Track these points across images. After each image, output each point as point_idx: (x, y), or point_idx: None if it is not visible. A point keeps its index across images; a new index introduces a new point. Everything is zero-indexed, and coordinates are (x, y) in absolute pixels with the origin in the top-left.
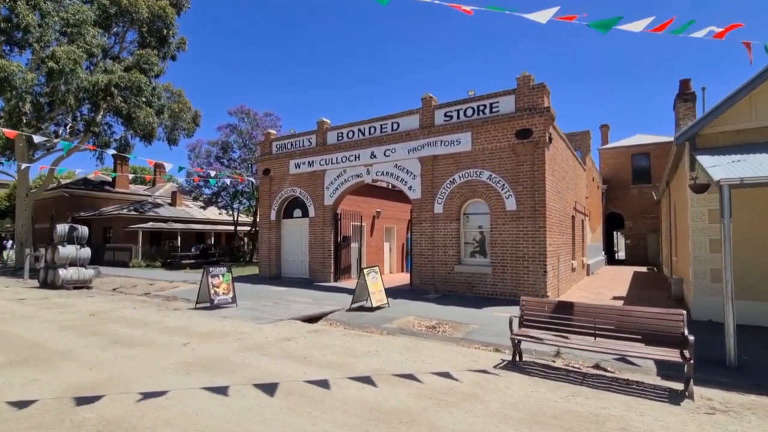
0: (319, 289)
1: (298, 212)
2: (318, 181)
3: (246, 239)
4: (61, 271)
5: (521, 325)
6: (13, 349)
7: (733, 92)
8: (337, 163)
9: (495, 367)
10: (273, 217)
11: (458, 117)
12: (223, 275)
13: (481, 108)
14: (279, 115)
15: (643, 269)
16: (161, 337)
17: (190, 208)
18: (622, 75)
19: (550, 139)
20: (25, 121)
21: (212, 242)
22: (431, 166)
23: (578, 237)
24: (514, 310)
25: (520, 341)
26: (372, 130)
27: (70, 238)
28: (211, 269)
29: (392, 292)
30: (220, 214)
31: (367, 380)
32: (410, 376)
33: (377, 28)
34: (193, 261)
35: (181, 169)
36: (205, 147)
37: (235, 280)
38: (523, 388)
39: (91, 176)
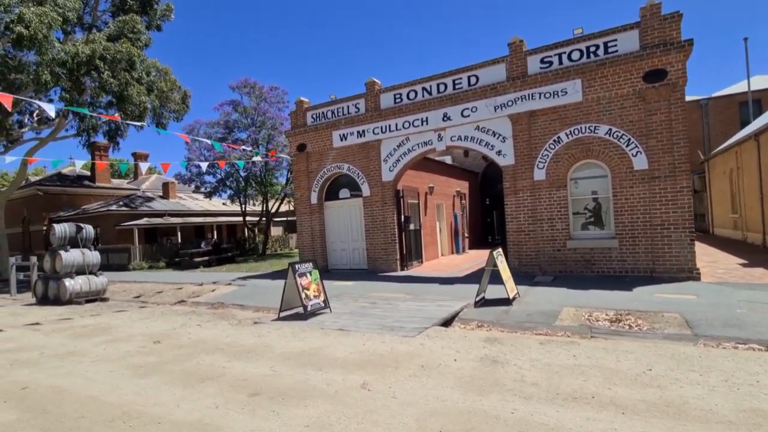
0: (391, 280)
1: (345, 192)
2: (372, 154)
3: (256, 230)
4: (68, 282)
5: None
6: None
7: None
8: (396, 130)
9: None
10: (314, 200)
11: (560, 62)
12: (310, 273)
13: (592, 49)
14: (286, 89)
15: None
16: (311, 375)
17: (185, 200)
18: None
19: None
20: None
21: (214, 236)
22: (527, 124)
23: None
24: (667, 288)
25: None
26: (442, 87)
27: (74, 241)
28: (297, 267)
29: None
30: (224, 204)
31: None
32: None
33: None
34: (206, 258)
35: (218, 149)
36: (204, 129)
37: (273, 276)
38: None
39: (65, 171)
